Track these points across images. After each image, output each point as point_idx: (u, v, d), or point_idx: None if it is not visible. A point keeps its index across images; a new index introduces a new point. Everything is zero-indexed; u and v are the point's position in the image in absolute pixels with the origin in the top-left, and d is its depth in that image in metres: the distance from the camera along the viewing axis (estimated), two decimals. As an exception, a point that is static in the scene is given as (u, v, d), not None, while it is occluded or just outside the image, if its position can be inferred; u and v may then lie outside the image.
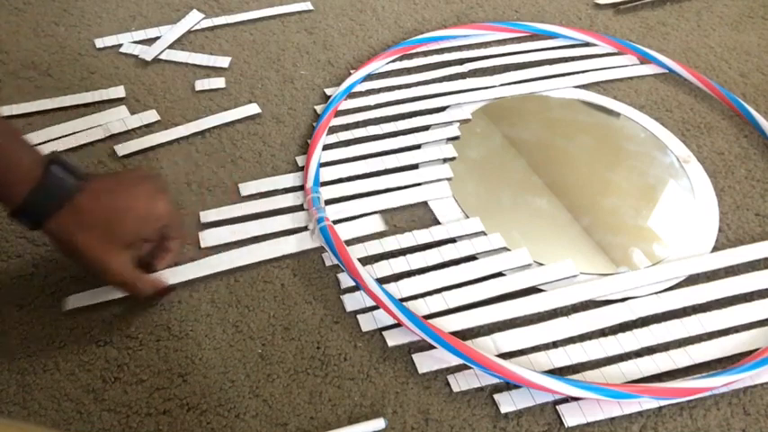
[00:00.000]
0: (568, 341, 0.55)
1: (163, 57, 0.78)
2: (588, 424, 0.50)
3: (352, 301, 0.56)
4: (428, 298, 0.57)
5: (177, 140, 0.69)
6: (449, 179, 0.67)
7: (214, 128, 0.71)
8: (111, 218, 0.47)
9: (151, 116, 0.71)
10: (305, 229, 0.62)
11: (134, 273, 0.51)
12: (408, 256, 0.60)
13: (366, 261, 0.59)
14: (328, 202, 0.64)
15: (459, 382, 0.52)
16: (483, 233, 0.62)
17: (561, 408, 0.51)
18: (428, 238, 0.61)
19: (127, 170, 0.61)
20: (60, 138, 0.67)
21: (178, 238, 0.55)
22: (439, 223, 0.63)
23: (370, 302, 0.56)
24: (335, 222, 0.61)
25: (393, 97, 0.75)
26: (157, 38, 0.80)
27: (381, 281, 0.57)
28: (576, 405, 0.51)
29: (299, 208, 0.63)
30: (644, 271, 0.60)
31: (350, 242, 0.60)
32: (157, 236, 0.53)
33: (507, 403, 0.51)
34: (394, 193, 0.65)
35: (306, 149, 0.69)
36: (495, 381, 0.52)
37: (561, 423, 0.50)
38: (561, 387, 0.50)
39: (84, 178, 0.47)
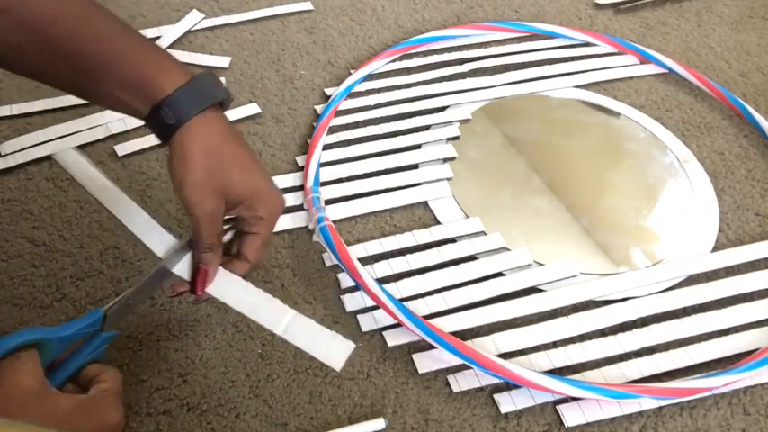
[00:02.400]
0: (568, 341, 0.55)
1: (163, 57, 0.78)
2: (588, 424, 0.50)
3: (352, 301, 0.56)
4: (428, 298, 0.57)
5: (177, 140, 0.69)
6: (449, 179, 0.67)
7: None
8: (244, 157, 0.44)
9: (151, 116, 0.71)
10: (305, 228, 0.62)
11: (216, 226, 0.45)
12: (408, 256, 0.60)
13: (366, 261, 0.59)
14: (328, 202, 0.64)
15: (460, 382, 0.52)
16: (483, 233, 0.62)
17: (561, 408, 0.51)
18: (428, 238, 0.61)
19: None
20: (60, 138, 0.67)
21: (260, 233, 0.47)
22: (439, 223, 0.63)
23: (370, 302, 0.56)
24: (335, 222, 0.61)
25: (393, 97, 0.75)
26: (157, 38, 0.80)
27: (381, 281, 0.57)
28: (576, 405, 0.51)
29: (299, 208, 0.63)
30: (644, 271, 0.60)
31: (350, 242, 0.60)
32: (249, 216, 0.46)
33: (507, 403, 0.51)
34: (394, 193, 0.65)
35: (306, 149, 0.69)
36: (495, 381, 0.52)
37: (561, 423, 0.50)
38: (561, 387, 0.50)
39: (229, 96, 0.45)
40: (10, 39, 0.40)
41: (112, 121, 0.70)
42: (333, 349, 0.45)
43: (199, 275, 0.45)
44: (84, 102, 0.71)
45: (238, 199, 0.44)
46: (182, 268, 0.46)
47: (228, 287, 0.46)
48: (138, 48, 0.42)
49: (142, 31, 0.80)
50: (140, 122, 0.71)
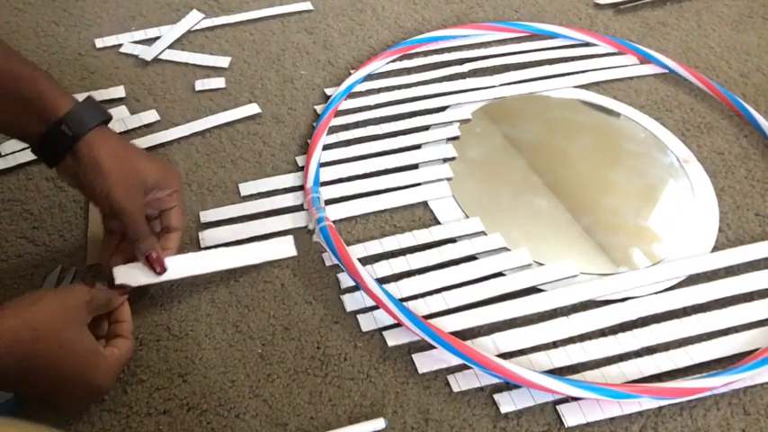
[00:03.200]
0: (568, 341, 0.55)
1: (163, 57, 0.78)
2: (588, 424, 0.50)
3: (352, 301, 0.56)
4: (428, 298, 0.57)
5: (177, 140, 0.69)
6: (449, 179, 0.67)
7: (214, 128, 0.71)
8: (137, 158, 0.50)
9: (151, 116, 0.71)
10: (305, 228, 0.62)
11: (142, 214, 0.50)
12: (408, 256, 0.60)
13: (366, 261, 0.59)
14: (328, 202, 0.64)
15: (460, 382, 0.52)
16: (483, 233, 0.62)
17: (561, 408, 0.51)
18: (428, 238, 0.61)
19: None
20: (60, 138, 0.67)
21: (177, 227, 0.54)
22: (439, 223, 0.63)
23: (370, 302, 0.56)
24: (335, 222, 0.61)
25: (393, 97, 0.74)
26: (157, 38, 0.80)
27: (381, 281, 0.57)
28: (576, 405, 0.51)
29: (299, 208, 0.63)
30: (644, 271, 0.60)
31: (350, 242, 0.60)
32: (158, 204, 0.53)
33: (507, 403, 0.51)
34: (394, 193, 0.65)
35: (306, 149, 0.69)
36: (495, 381, 0.52)
37: (561, 423, 0.50)
38: (561, 387, 0.50)
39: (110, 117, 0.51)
40: None
41: (112, 121, 0.69)
42: (280, 246, 0.58)
43: (154, 261, 0.51)
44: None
45: (153, 183, 0.50)
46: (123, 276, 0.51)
47: (181, 264, 0.53)
48: (34, 73, 0.47)
49: (142, 31, 0.81)
50: (139, 123, 0.71)
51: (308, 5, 0.87)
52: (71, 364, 0.42)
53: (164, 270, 0.52)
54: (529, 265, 0.60)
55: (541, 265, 0.60)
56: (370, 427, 0.49)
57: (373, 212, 0.64)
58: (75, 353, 0.43)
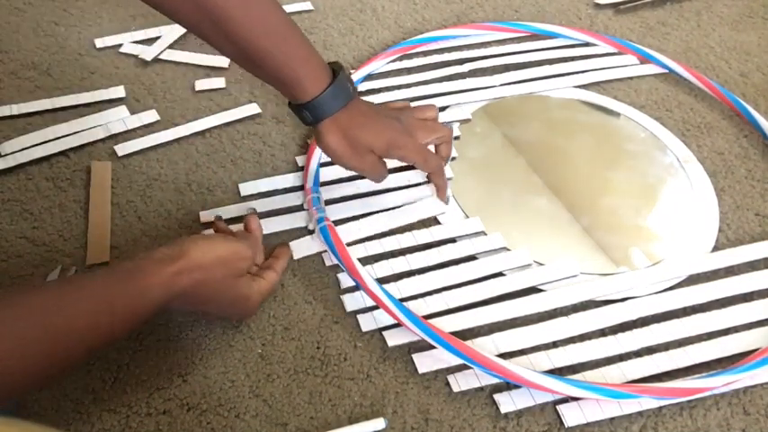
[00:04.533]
0: (568, 341, 0.55)
1: (163, 57, 0.78)
2: (588, 424, 0.50)
3: (352, 301, 0.56)
4: (428, 298, 0.57)
5: (177, 140, 0.69)
6: (449, 179, 0.67)
7: (214, 128, 0.71)
8: (362, 128, 0.55)
9: (151, 116, 0.71)
10: (305, 228, 0.62)
11: (380, 166, 0.58)
12: (408, 256, 0.60)
13: (366, 261, 0.59)
14: (328, 202, 0.64)
15: (460, 382, 0.52)
16: (483, 233, 0.62)
17: (561, 408, 0.51)
18: (428, 238, 0.61)
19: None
20: (60, 138, 0.67)
21: (430, 171, 0.61)
22: (439, 223, 0.63)
23: (370, 302, 0.56)
24: (335, 222, 0.61)
25: (393, 97, 0.74)
26: (157, 38, 0.80)
27: (381, 281, 0.57)
28: (576, 405, 0.51)
29: (299, 208, 0.63)
30: (644, 271, 0.60)
31: (350, 242, 0.60)
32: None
33: (507, 403, 0.51)
34: (394, 193, 0.65)
35: (306, 149, 0.69)
36: (495, 381, 0.52)
37: (561, 423, 0.50)
38: (561, 387, 0.50)
39: (355, 92, 0.56)
40: (190, 17, 0.50)
41: (112, 121, 0.70)
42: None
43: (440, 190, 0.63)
44: (85, 102, 0.72)
45: (383, 152, 0.56)
46: None
47: None
48: (295, 50, 0.52)
49: (142, 31, 0.81)
50: (140, 122, 0.71)
51: (308, 5, 0.87)
52: (224, 305, 0.50)
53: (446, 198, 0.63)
54: (529, 265, 0.60)
55: (541, 265, 0.60)
56: (370, 427, 0.49)
57: (373, 212, 0.63)
58: (227, 299, 0.50)
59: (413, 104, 0.73)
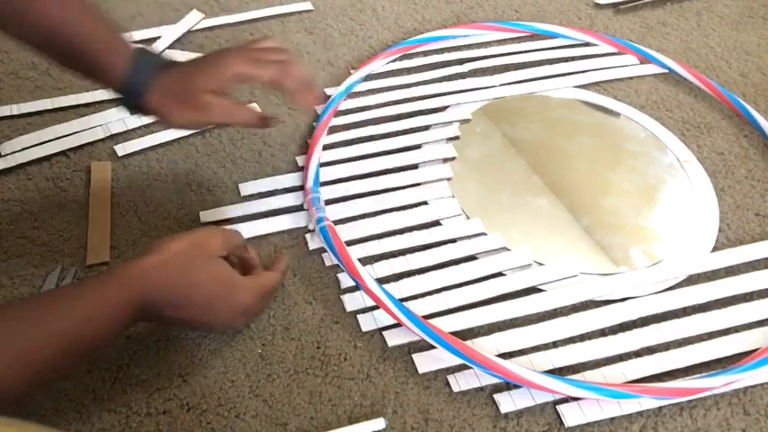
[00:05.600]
0: (568, 341, 0.55)
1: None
2: (588, 424, 0.50)
3: (352, 301, 0.56)
4: (428, 298, 0.57)
5: (177, 140, 0.69)
6: (449, 179, 0.67)
7: (214, 128, 0.70)
8: (186, 77, 0.52)
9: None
10: (305, 229, 0.62)
11: (225, 104, 0.52)
12: (408, 256, 0.60)
13: (366, 261, 0.59)
14: (328, 202, 0.64)
15: (459, 382, 0.52)
16: (483, 233, 0.62)
17: (561, 408, 0.51)
18: (428, 238, 0.61)
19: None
20: (60, 138, 0.67)
21: (282, 80, 0.54)
22: (439, 223, 0.63)
23: (370, 302, 0.56)
24: (335, 222, 0.61)
25: (393, 97, 0.74)
26: (157, 38, 0.80)
27: (381, 281, 0.57)
28: (576, 405, 0.51)
29: (300, 208, 0.63)
30: (644, 271, 0.60)
31: (350, 242, 0.60)
32: (239, 82, 0.54)
33: (507, 403, 0.51)
34: (394, 193, 0.65)
35: (306, 149, 0.69)
36: (495, 381, 0.52)
37: (561, 423, 0.50)
38: (561, 387, 0.50)
39: (165, 60, 0.54)
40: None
41: (112, 121, 0.70)
42: None
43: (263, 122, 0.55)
44: (85, 102, 0.72)
45: (215, 81, 0.52)
46: None
47: None
48: (95, 35, 0.51)
49: (142, 31, 0.81)
50: (140, 122, 0.71)
51: (308, 5, 0.87)
52: (207, 290, 0.48)
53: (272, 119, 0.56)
54: (529, 265, 0.60)
55: (541, 265, 0.60)
56: (370, 427, 0.49)
57: (373, 212, 0.63)
58: (207, 280, 0.48)
59: (412, 105, 0.74)
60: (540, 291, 0.58)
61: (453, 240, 0.61)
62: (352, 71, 0.77)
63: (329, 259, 0.59)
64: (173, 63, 0.54)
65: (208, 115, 0.52)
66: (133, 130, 0.69)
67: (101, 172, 0.65)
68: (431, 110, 0.74)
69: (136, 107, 0.53)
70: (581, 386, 0.50)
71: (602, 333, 0.56)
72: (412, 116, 0.73)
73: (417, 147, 0.70)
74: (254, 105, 0.73)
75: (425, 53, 0.81)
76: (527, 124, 0.74)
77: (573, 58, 0.82)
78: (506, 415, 0.51)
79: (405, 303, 0.54)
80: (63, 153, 0.67)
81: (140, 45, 0.53)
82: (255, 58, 0.53)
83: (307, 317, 0.56)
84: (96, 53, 0.50)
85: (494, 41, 0.84)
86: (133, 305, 0.44)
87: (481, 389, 0.52)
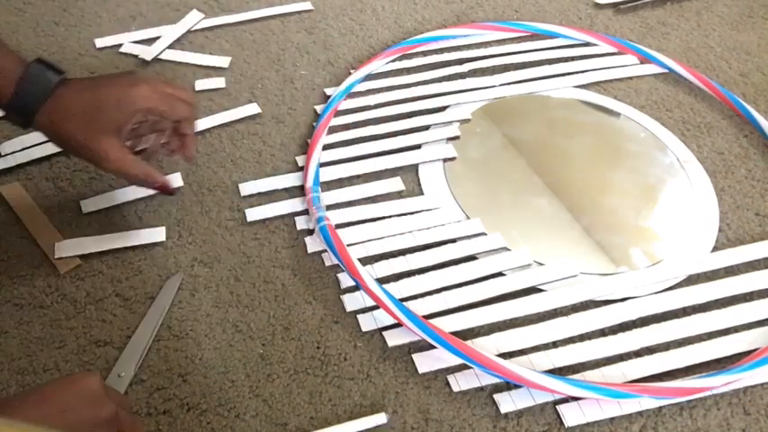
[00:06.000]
0: (568, 341, 0.55)
1: (163, 57, 0.78)
2: (588, 424, 0.50)
3: (352, 301, 0.56)
4: (428, 298, 0.57)
5: (177, 140, 0.69)
6: (449, 179, 0.67)
7: (214, 128, 0.71)
8: (93, 105, 0.49)
9: (151, 116, 0.71)
10: (305, 230, 0.62)
11: (126, 157, 0.50)
12: (408, 256, 0.60)
13: (366, 261, 0.59)
14: (329, 206, 0.64)
15: (460, 382, 0.52)
16: (483, 233, 0.62)
17: (561, 408, 0.51)
18: (428, 238, 0.61)
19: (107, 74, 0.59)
20: (60, 138, 0.67)
21: (181, 117, 0.53)
22: (439, 223, 0.63)
23: (370, 302, 0.56)
24: (338, 227, 0.61)
25: (393, 97, 0.74)
26: (157, 38, 0.80)
27: (381, 281, 0.57)
28: (576, 405, 0.51)
29: (302, 211, 0.63)
30: (644, 271, 0.60)
31: (350, 242, 0.60)
32: (151, 124, 0.53)
33: (507, 403, 0.51)
34: (397, 201, 0.65)
35: (306, 149, 0.69)
36: (496, 380, 0.52)
37: (561, 423, 0.50)
38: (561, 387, 0.50)
39: (64, 74, 0.50)
40: None
41: (112, 121, 0.69)
42: None
43: (162, 188, 0.55)
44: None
45: (122, 119, 0.49)
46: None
47: None
48: None
49: (143, 31, 0.81)
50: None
51: (307, 5, 0.87)
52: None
53: (174, 189, 0.55)
54: (529, 265, 0.60)
55: (541, 265, 0.60)
56: (373, 421, 0.49)
57: (373, 212, 0.63)
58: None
59: (412, 105, 0.74)
60: (540, 291, 0.58)
61: (453, 240, 0.61)
62: (351, 71, 0.77)
63: (329, 259, 0.59)
64: (74, 81, 0.50)
65: (104, 163, 0.50)
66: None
67: (16, 195, 0.62)
68: (431, 110, 0.74)
69: (26, 124, 0.49)
70: (581, 386, 0.50)
71: (602, 333, 0.56)
72: (412, 116, 0.73)
73: (417, 147, 0.70)
74: (254, 105, 0.73)
75: (425, 53, 0.81)
76: (527, 124, 0.74)
77: (573, 58, 0.82)
78: (506, 415, 0.51)
79: (405, 303, 0.54)
80: (63, 153, 0.67)
81: (38, 57, 0.49)
82: (168, 94, 0.52)
83: (307, 317, 0.56)
84: None
85: (494, 41, 0.84)
86: None
87: (481, 389, 0.52)
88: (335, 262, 0.58)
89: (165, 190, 0.55)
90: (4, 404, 0.39)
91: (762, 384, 0.53)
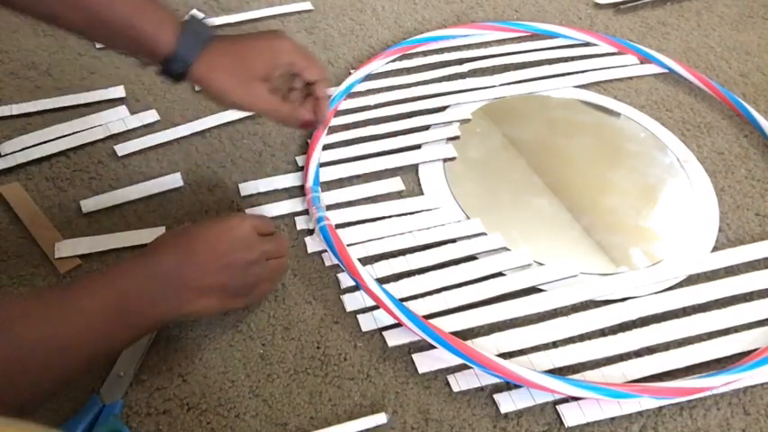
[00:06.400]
0: (568, 341, 0.55)
1: (163, 57, 0.78)
2: (588, 424, 0.50)
3: (352, 301, 0.56)
4: (428, 298, 0.57)
5: (177, 140, 0.69)
6: (449, 179, 0.67)
7: (214, 128, 0.71)
8: (242, 55, 0.53)
9: (151, 116, 0.71)
10: (305, 231, 0.62)
11: (274, 99, 0.54)
12: (408, 256, 0.60)
13: (366, 261, 0.59)
14: (329, 207, 0.64)
15: (459, 382, 0.52)
16: (483, 233, 0.62)
17: (561, 408, 0.51)
18: (428, 238, 0.61)
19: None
20: (60, 138, 0.67)
21: (317, 78, 0.56)
22: (439, 223, 0.63)
23: (370, 302, 0.56)
24: (338, 227, 0.61)
25: (393, 97, 0.74)
26: (157, 38, 0.80)
27: (381, 281, 0.57)
28: (576, 405, 0.51)
29: (301, 212, 0.63)
30: (644, 271, 0.60)
31: (350, 242, 0.60)
32: (289, 71, 0.56)
33: (507, 403, 0.51)
34: (397, 201, 0.65)
35: (306, 149, 0.69)
36: (496, 381, 0.52)
37: (561, 423, 0.50)
38: (561, 387, 0.50)
39: (213, 30, 0.53)
40: None
41: (113, 120, 0.70)
42: None
43: (308, 124, 0.58)
44: (85, 102, 0.71)
45: (268, 67, 0.53)
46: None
47: None
48: (139, 8, 0.50)
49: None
50: (139, 123, 0.71)
51: (307, 5, 0.87)
52: (210, 235, 0.49)
53: (317, 123, 0.58)
54: (529, 265, 0.60)
55: (541, 265, 0.60)
56: (373, 421, 0.49)
57: (373, 212, 0.63)
58: (211, 234, 0.49)
59: (412, 105, 0.74)
60: (540, 291, 0.58)
61: (453, 240, 0.61)
62: (351, 71, 0.77)
63: (329, 259, 0.59)
64: (223, 36, 0.54)
65: (254, 105, 0.54)
66: (133, 129, 0.69)
67: (15, 195, 0.62)
68: (431, 110, 0.74)
69: (181, 76, 0.52)
70: (581, 386, 0.50)
71: (602, 333, 0.56)
72: (412, 116, 0.73)
73: (417, 147, 0.70)
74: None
75: (425, 53, 0.81)
76: (527, 124, 0.74)
77: (573, 58, 0.82)
78: (506, 415, 0.51)
79: (405, 303, 0.54)
80: (63, 153, 0.67)
81: (191, 14, 0.53)
82: (308, 53, 0.56)
83: (307, 317, 0.56)
84: (141, 25, 0.50)
85: (494, 41, 0.84)
86: (119, 306, 0.43)
87: (481, 389, 0.52)
88: (335, 262, 0.58)
89: (311, 125, 0.58)
90: (175, 241, 0.47)
91: (762, 384, 0.53)
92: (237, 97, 0.52)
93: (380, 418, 0.49)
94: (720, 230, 0.65)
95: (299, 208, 0.63)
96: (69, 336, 0.41)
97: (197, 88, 0.71)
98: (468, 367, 0.52)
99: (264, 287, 0.53)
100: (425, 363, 0.53)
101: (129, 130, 0.69)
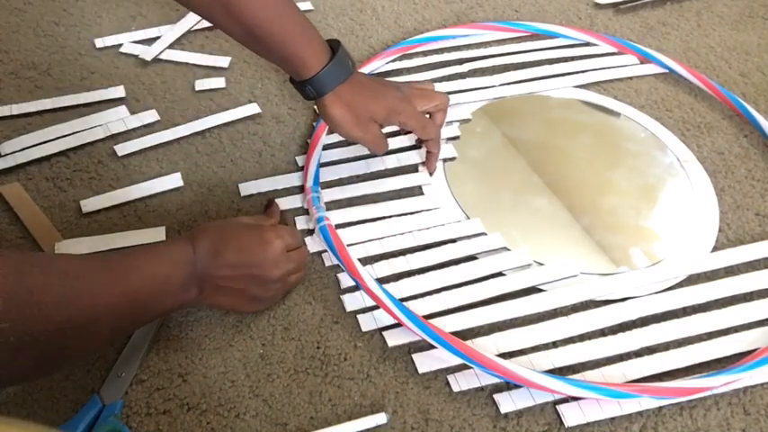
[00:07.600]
0: (568, 341, 0.55)
1: (163, 57, 0.78)
2: (588, 424, 0.50)
3: (352, 301, 0.56)
4: (428, 298, 0.57)
5: (177, 140, 0.69)
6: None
7: (214, 128, 0.71)
8: (367, 98, 0.58)
9: (151, 116, 0.71)
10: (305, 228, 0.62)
11: (383, 140, 0.60)
12: (408, 256, 0.60)
13: (366, 261, 0.59)
14: (329, 206, 0.64)
15: (460, 382, 0.52)
16: (483, 233, 0.62)
17: (561, 408, 0.51)
18: (428, 238, 0.61)
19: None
20: (60, 138, 0.67)
21: (428, 139, 0.63)
22: (439, 224, 0.63)
23: (370, 302, 0.56)
24: (338, 227, 0.61)
25: (393, 97, 0.74)
26: (157, 38, 0.80)
27: (381, 281, 0.57)
28: (576, 405, 0.51)
29: (302, 210, 0.63)
30: (644, 271, 0.60)
31: (350, 242, 0.60)
32: (403, 129, 0.61)
33: (507, 403, 0.51)
34: (398, 202, 0.65)
35: (306, 149, 0.69)
36: (495, 381, 0.52)
37: (561, 423, 0.50)
38: (561, 387, 0.49)
39: (353, 66, 0.58)
40: (202, 1, 0.54)
41: (113, 121, 0.70)
42: None
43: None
44: (85, 102, 0.72)
45: (383, 119, 0.58)
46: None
47: None
48: (297, 30, 0.55)
49: (142, 31, 0.81)
50: (139, 123, 0.71)
51: (308, 5, 0.87)
52: (245, 241, 0.52)
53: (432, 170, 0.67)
54: (529, 265, 0.60)
55: (541, 265, 0.60)
56: (373, 421, 0.49)
57: (373, 213, 0.63)
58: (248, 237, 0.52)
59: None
60: (540, 291, 0.58)
61: (453, 240, 0.61)
62: (352, 71, 0.77)
63: (329, 259, 0.59)
64: (360, 75, 0.59)
65: (365, 140, 0.59)
66: (133, 129, 0.69)
67: (15, 194, 0.62)
68: (431, 110, 0.74)
69: (310, 99, 0.57)
70: (581, 386, 0.50)
71: (602, 333, 0.56)
72: (412, 116, 0.73)
73: (417, 147, 0.70)
74: (254, 105, 0.73)
75: (425, 53, 0.81)
76: (527, 124, 0.74)
77: (573, 58, 0.82)
78: (506, 415, 0.51)
79: (405, 303, 0.54)
80: (63, 153, 0.67)
81: (334, 40, 0.58)
82: (423, 117, 0.61)
83: (307, 317, 0.56)
84: (294, 49, 0.55)
85: (494, 41, 0.84)
86: (190, 258, 0.48)
87: (481, 389, 0.52)
88: (335, 262, 0.58)
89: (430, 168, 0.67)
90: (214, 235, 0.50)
91: (762, 384, 0.53)
92: (352, 132, 0.58)
93: (380, 418, 0.49)
94: (720, 230, 0.65)
95: (299, 207, 0.63)
96: (134, 291, 0.45)
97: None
98: (468, 367, 0.52)
99: (277, 298, 0.55)
100: (425, 363, 0.53)
101: (129, 130, 0.69)
